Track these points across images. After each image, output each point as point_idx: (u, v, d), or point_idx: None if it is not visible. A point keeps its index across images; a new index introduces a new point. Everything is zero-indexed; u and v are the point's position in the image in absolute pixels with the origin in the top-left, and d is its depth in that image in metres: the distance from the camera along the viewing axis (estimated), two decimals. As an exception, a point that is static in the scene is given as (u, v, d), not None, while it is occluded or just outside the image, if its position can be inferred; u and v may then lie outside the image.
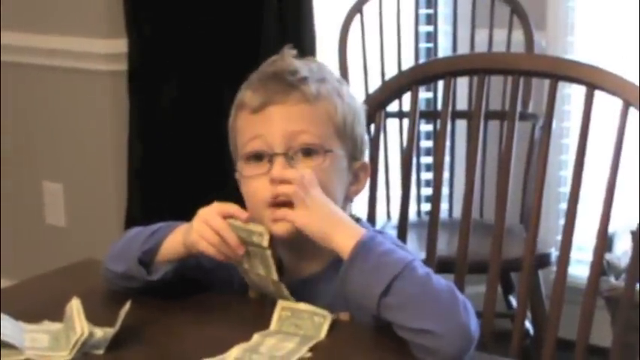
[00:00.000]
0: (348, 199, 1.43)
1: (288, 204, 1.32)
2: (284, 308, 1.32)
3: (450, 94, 1.66)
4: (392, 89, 1.68)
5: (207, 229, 1.33)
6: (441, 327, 1.20)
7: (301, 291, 1.36)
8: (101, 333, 1.29)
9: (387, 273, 1.24)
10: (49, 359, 1.27)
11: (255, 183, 1.35)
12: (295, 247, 1.39)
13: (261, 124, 1.35)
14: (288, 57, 1.40)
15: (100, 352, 1.29)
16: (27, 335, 1.30)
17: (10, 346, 1.26)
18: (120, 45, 2.77)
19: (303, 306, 1.31)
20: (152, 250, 1.39)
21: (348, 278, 1.26)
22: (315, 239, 1.30)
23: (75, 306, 1.31)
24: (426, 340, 1.21)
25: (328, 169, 1.36)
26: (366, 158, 1.46)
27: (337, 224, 1.29)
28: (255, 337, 1.28)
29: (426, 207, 2.91)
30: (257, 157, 1.36)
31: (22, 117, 3.09)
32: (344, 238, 1.28)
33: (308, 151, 1.35)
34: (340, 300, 1.34)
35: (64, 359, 1.27)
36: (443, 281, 1.28)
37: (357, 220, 1.44)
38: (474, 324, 1.24)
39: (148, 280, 1.39)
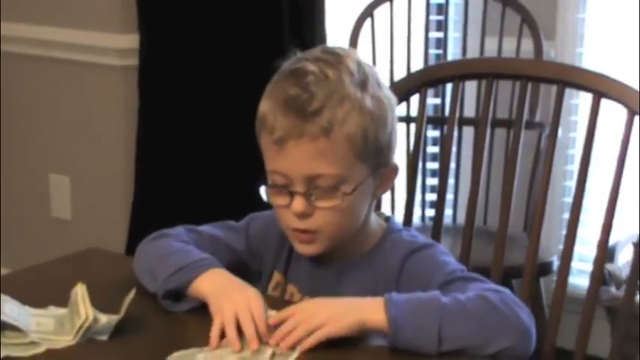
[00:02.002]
0: (372, 201, 1.45)
1: (309, 233, 1.40)
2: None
3: (458, 97, 1.67)
4: (400, 91, 1.68)
5: (247, 311, 1.30)
6: (505, 341, 1.27)
7: (327, 278, 1.44)
8: (105, 319, 1.31)
9: (429, 332, 1.25)
10: (53, 343, 1.28)
11: (280, 211, 1.42)
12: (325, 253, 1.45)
13: (281, 159, 1.38)
14: (306, 72, 1.37)
15: (104, 338, 1.30)
16: (33, 319, 1.32)
17: (16, 329, 1.28)
18: (132, 40, 2.78)
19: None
20: (175, 291, 1.39)
21: (399, 345, 1.27)
22: (353, 334, 1.28)
23: (80, 291, 1.33)
24: (501, 354, 1.27)
25: (348, 206, 1.39)
26: (394, 159, 1.46)
27: (355, 311, 1.29)
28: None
29: (430, 212, 2.92)
30: (280, 187, 1.40)
31: (30, 109, 3.10)
32: (373, 317, 1.28)
33: (327, 191, 1.38)
34: (368, 292, 1.37)
35: (68, 344, 1.28)
36: (472, 291, 1.31)
37: (387, 218, 1.48)
38: (524, 314, 1.29)
39: (175, 310, 1.39)
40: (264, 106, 1.40)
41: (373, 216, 1.47)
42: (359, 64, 1.41)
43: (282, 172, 1.38)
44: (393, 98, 1.44)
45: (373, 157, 1.40)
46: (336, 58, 1.39)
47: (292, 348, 1.26)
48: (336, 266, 1.45)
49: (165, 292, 1.38)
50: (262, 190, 1.42)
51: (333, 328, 1.25)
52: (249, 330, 1.27)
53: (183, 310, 1.38)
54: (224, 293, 1.33)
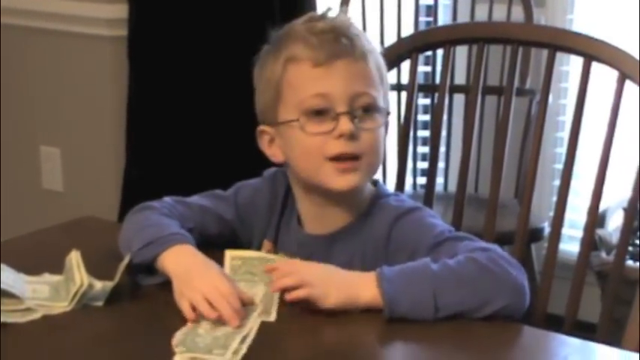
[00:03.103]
0: None
1: (354, 157, 1.37)
2: (234, 258, 1.36)
3: (449, 62, 1.67)
4: (391, 56, 1.68)
5: (216, 293, 1.28)
6: (500, 302, 1.28)
7: (319, 246, 1.43)
8: (100, 285, 1.32)
9: (425, 302, 1.26)
10: (49, 309, 1.29)
11: (318, 140, 1.37)
12: (332, 202, 1.42)
13: (325, 80, 1.36)
14: (327, 15, 1.42)
15: (100, 304, 1.31)
16: (28, 286, 1.33)
17: (12, 296, 1.29)
18: (121, 10, 2.76)
19: (251, 253, 1.35)
20: (146, 262, 1.38)
21: (396, 314, 1.28)
22: (344, 308, 1.28)
23: (74, 258, 1.34)
24: (497, 314, 1.28)
25: (382, 131, 1.41)
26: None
27: (347, 288, 1.29)
28: None
29: (422, 180, 2.93)
30: (319, 113, 1.37)
31: (20, 81, 3.09)
32: (366, 293, 1.28)
33: (368, 110, 1.38)
34: (357, 259, 1.41)
35: (63, 309, 1.30)
36: (461, 251, 1.32)
37: (375, 182, 1.48)
38: (516, 270, 1.30)
39: (144, 284, 1.39)
40: (290, 50, 1.39)
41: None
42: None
43: (324, 94, 1.36)
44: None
45: (386, 95, 1.44)
46: (339, 14, 1.45)
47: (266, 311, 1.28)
48: (326, 235, 1.45)
49: (135, 264, 1.38)
50: (291, 127, 1.38)
51: (321, 295, 1.27)
52: (225, 311, 1.25)
53: (153, 283, 1.37)
54: (187, 280, 1.30)
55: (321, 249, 1.44)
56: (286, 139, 1.41)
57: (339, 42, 1.37)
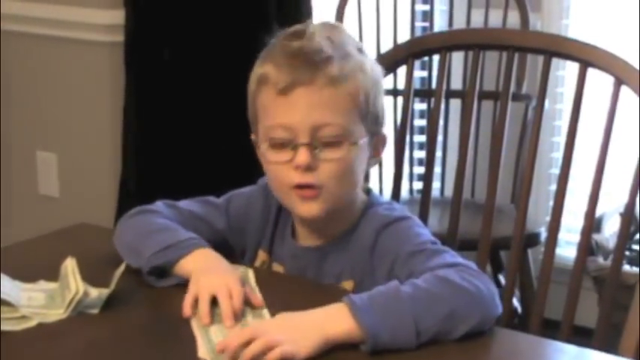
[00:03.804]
0: (366, 169, 1.44)
1: (312, 187, 1.35)
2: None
3: (445, 68, 1.67)
4: (388, 62, 1.68)
5: (225, 287, 1.30)
6: (472, 320, 1.23)
7: (312, 258, 1.42)
8: (96, 293, 1.31)
9: (407, 329, 1.20)
10: (44, 317, 1.29)
11: (280, 168, 1.37)
12: (313, 224, 1.42)
13: (285, 110, 1.34)
14: (311, 30, 1.38)
15: (95, 311, 1.31)
16: (24, 294, 1.33)
17: (7, 304, 1.29)
18: (118, 16, 2.76)
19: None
20: (161, 268, 1.39)
21: (379, 346, 1.21)
22: (321, 351, 1.19)
23: (70, 265, 1.33)
24: (471, 331, 1.23)
25: (351, 160, 1.37)
26: (385, 128, 1.46)
27: (319, 328, 1.19)
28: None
29: (418, 185, 2.93)
30: (281, 144, 1.36)
31: (17, 86, 3.09)
32: (340, 328, 1.20)
33: (331, 143, 1.35)
34: (347, 270, 1.40)
35: (59, 317, 1.29)
36: (435, 263, 1.29)
37: (368, 190, 1.47)
38: (486, 285, 1.26)
39: (158, 286, 1.39)
40: (264, 67, 1.38)
41: (359, 192, 1.45)
42: (350, 35, 1.42)
43: (285, 125, 1.34)
44: (382, 71, 1.45)
45: (371, 121, 1.39)
46: (332, 26, 1.42)
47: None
48: (319, 246, 1.44)
49: (151, 268, 1.38)
50: (252, 137, 1.40)
51: (293, 348, 1.16)
52: (225, 306, 1.26)
53: (167, 285, 1.38)
54: (206, 271, 1.33)
55: (313, 261, 1.43)
56: (260, 156, 1.42)
57: (304, 69, 1.33)
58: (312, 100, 1.33)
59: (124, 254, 1.43)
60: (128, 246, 1.43)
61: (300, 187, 1.36)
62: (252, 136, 1.44)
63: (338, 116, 1.34)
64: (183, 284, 1.35)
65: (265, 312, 1.30)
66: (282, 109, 1.35)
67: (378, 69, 1.43)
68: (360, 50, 1.40)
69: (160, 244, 1.38)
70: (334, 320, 1.20)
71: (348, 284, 1.40)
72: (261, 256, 1.49)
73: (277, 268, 1.48)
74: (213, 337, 1.23)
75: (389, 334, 1.19)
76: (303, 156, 1.33)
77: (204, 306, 1.27)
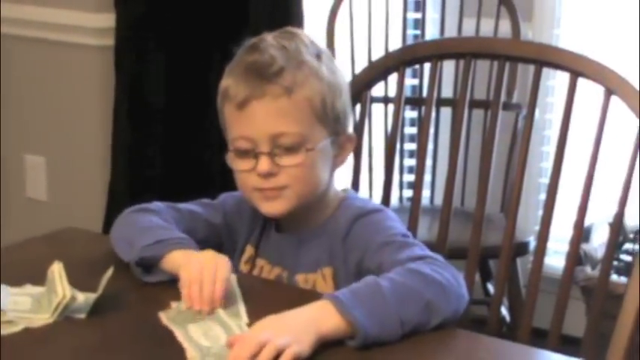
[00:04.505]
0: (333, 170, 1.50)
1: (275, 189, 1.44)
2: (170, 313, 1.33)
3: (436, 77, 1.67)
4: (379, 69, 1.70)
5: (212, 269, 1.34)
6: (446, 312, 1.29)
7: (291, 246, 1.50)
8: (83, 297, 1.31)
9: (393, 323, 1.24)
10: (31, 321, 1.28)
11: (245, 175, 1.45)
12: (289, 218, 1.49)
13: (245, 122, 1.43)
14: (266, 41, 1.45)
15: (82, 316, 1.30)
16: (9, 298, 1.32)
17: (-8, 307, 1.28)
18: (108, 19, 2.76)
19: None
20: (151, 259, 1.42)
21: (369, 340, 1.24)
22: (315, 347, 1.22)
23: (57, 270, 1.32)
24: (442, 323, 1.29)
25: (311, 163, 1.44)
26: (351, 129, 1.52)
27: (313, 326, 1.23)
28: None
29: (408, 193, 2.93)
30: (244, 152, 1.44)
31: (5, 89, 3.07)
32: (329, 325, 1.23)
33: (290, 149, 1.42)
34: (325, 256, 1.46)
35: (46, 322, 1.29)
36: (405, 255, 1.35)
37: (344, 190, 1.54)
38: (455, 278, 1.32)
39: (145, 280, 1.43)
40: (226, 81, 1.46)
41: (334, 189, 1.52)
42: (312, 41, 1.49)
43: (246, 136, 1.43)
44: (344, 74, 1.52)
45: (331, 122, 1.46)
46: (290, 34, 1.48)
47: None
48: (297, 236, 1.50)
49: (140, 259, 1.42)
50: (227, 158, 1.47)
51: (300, 347, 1.19)
52: (207, 290, 1.31)
53: (153, 281, 1.41)
54: (195, 257, 1.38)
55: (292, 249, 1.50)
56: (229, 163, 1.48)
57: (257, 82, 1.41)
58: (268, 111, 1.42)
59: (118, 246, 1.48)
60: (124, 238, 1.48)
61: (262, 189, 1.44)
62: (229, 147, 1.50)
63: (294, 124, 1.42)
64: (174, 288, 1.35)
65: (242, 309, 1.32)
66: (241, 122, 1.44)
67: (339, 72, 1.50)
68: (318, 56, 1.47)
69: (153, 238, 1.43)
70: (323, 317, 1.24)
71: (327, 270, 1.47)
72: (249, 250, 1.55)
73: (261, 262, 1.54)
74: (194, 336, 1.24)
75: (377, 328, 1.23)
76: (263, 165, 1.42)
77: (186, 291, 1.32)
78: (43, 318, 1.29)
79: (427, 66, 2.38)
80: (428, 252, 1.38)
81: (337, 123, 1.47)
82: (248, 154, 1.44)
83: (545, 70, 1.60)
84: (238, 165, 1.46)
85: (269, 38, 1.46)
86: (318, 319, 1.23)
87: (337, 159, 1.50)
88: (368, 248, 1.41)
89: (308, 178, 1.44)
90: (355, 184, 1.72)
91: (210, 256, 1.38)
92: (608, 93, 1.51)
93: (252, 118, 1.42)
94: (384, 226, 1.44)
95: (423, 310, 1.26)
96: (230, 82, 1.45)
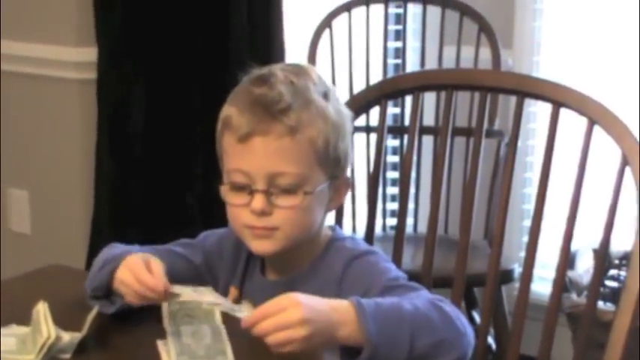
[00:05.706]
0: (326, 213, 1.47)
1: (267, 229, 1.40)
2: (171, 303, 1.35)
3: (418, 109, 1.68)
4: (360, 103, 1.70)
5: (127, 272, 1.35)
6: (455, 354, 1.29)
7: (279, 291, 1.41)
8: (68, 337, 1.30)
9: (402, 346, 1.26)
10: (15, 362, 1.27)
11: (238, 210, 1.42)
12: (276, 258, 1.46)
13: (244, 156, 1.39)
14: (276, 75, 1.41)
15: (67, 356, 1.29)
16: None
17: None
18: (90, 53, 2.76)
19: (187, 296, 1.33)
20: (102, 287, 1.40)
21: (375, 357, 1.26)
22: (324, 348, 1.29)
23: (42, 309, 1.31)
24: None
25: (307, 206, 1.41)
26: (348, 172, 1.50)
27: (329, 329, 1.26)
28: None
29: (392, 221, 2.93)
30: (240, 187, 1.41)
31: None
32: (344, 331, 1.26)
33: (288, 190, 1.40)
34: None
35: (30, 363, 1.27)
36: (418, 299, 1.32)
37: (332, 228, 1.51)
38: (467, 325, 1.32)
39: (109, 312, 1.40)
40: (229, 110, 1.42)
41: (323, 229, 1.49)
42: (319, 77, 1.45)
43: (243, 171, 1.39)
44: (350, 114, 1.49)
45: (331, 165, 1.43)
46: (299, 69, 1.45)
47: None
48: (286, 279, 1.47)
49: (91, 291, 1.40)
50: (221, 190, 1.44)
51: (305, 346, 1.23)
52: (146, 278, 1.31)
53: (118, 307, 1.39)
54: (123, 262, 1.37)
55: (278, 293, 1.41)
56: (222, 195, 1.45)
57: (263, 118, 1.37)
58: (269, 149, 1.38)
59: (88, 289, 1.44)
60: (88, 281, 1.45)
61: (254, 227, 1.41)
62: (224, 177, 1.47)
63: (294, 165, 1.39)
64: (157, 325, 1.34)
65: (228, 349, 1.31)
66: (240, 156, 1.40)
67: (344, 112, 1.46)
68: (325, 95, 1.43)
69: (98, 264, 1.41)
70: (342, 322, 1.25)
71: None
72: (233, 291, 1.51)
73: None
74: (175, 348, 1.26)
75: (386, 347, 1.25)
76: (258, 202, 1.39)
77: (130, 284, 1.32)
78: (28, 358, 1.27)
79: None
80: (436, 296, 1.36)
81: (337, 166, 1.44)
82: (243, 190, 1.40)
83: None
84: (232, 199, 1.42)
85: (279, 72, 1.42)
86: (337, 322, 1.25)
87: (331, 203, 1.47)
88: (369, 290, 1.37)
89: (301, 222, 1.41)
90: (339, 214, 1.72)
91: (135, 255, 1.37)
92: (591, 123, 1.52)
93: (252, 154, 1.39)
94: (381, 269, 1.42)
95: (434, 346, 1.27)
96: (233, 112, 1.41)
